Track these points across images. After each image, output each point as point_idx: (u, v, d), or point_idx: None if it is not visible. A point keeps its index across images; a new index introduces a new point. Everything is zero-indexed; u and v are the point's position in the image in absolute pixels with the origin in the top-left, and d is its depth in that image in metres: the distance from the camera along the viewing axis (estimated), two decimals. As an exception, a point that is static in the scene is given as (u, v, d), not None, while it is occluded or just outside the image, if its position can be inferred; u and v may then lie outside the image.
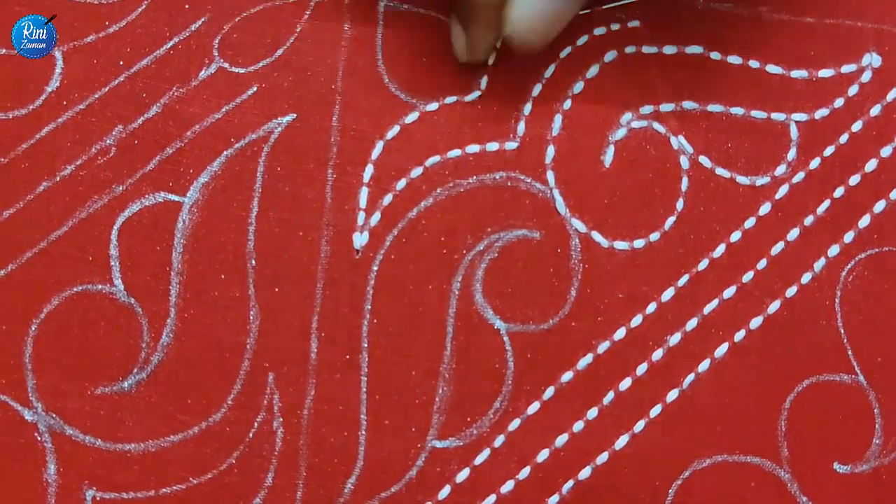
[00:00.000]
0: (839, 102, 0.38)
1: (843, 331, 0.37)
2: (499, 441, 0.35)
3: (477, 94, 0.37)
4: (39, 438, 0.34)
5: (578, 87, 0.37)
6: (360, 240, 0.36)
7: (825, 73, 0.38)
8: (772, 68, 0.38)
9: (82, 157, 0.36)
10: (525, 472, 0.35)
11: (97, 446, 0.34)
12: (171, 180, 0.36)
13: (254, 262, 0.36)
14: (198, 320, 0.35)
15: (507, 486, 0.35)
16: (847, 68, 0.39)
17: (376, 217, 0.36)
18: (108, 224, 0.35)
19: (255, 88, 0.37)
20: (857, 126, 0.38)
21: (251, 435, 0.35)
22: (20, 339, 0.35)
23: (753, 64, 0.38)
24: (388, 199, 0.36)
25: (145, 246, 0.35)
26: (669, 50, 0.38)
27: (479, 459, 0.35)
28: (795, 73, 0.38)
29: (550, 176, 0.37)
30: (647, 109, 0.37)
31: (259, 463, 0.35)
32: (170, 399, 0.35)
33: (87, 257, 0.35)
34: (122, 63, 0.36)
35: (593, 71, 0.37)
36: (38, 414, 0.34)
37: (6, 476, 0.34)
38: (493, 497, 0.35)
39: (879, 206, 0.38)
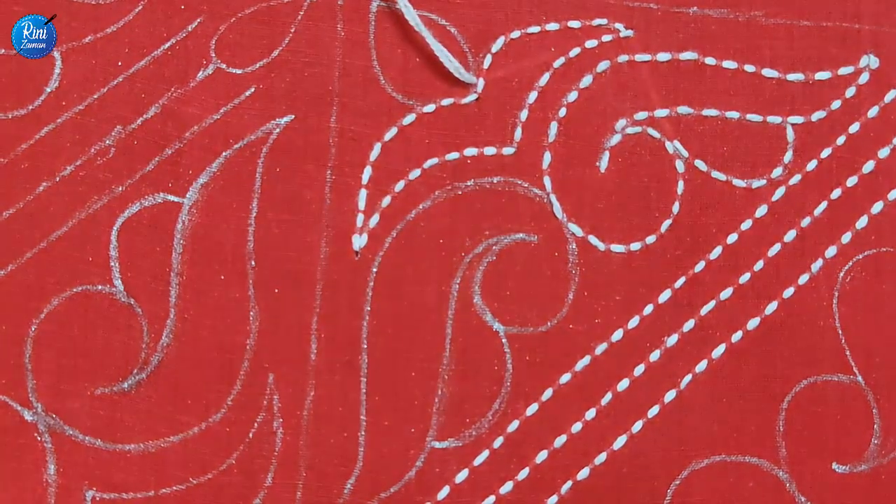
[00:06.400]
0: (836, 104, 0.39)
1: (840, 332, 0.37)
2: (498, 442, 0.36)
3: (474, 96, 0.37)
4: (39, 438, 0.35)
5: (573, 96, 0.38)
6: (359, 241, 0.36)
7: (822, 75, 0.39)
8: (768, 72, 0.38)
9: (81, 157, 0.36)
10: (524, 473, 0.36)
11: (97, 446, 0.35)
12: (170, 181, 0.36)
13: (253, 262, 0.36)
14: (197, 321, 0.36)
15: (506, 487, 0.36)
16: (844, 70, 0.39)
17: (375, 219, 0.37)
18: (108, 224, 0.36)
19: (252, 89, 0.37)
20: (854, 128, 0.38)
21: (251, 435, 0.35)
22: (20, 339, 0.35)
23: (749, 69, 0.38)
24: (386, 200, 0.37)
25: (145, 246, 0.36)
26: (663, 57, 0.38)
27: (478, 460, 0.36)
28: (791, 77, 0.38)
29: (547, 181, 0.37)
30: (641, 115, 0.38)
31: (259, 463, 0.35)
32: (169, 399, 0.35)
33: (87, 258, 0.36)
34: (120, 64, 0.37)
35: (587, 80, 0.38)
36: (37, 414, 0.35)
37: (6, 476, 0.35)
38: (492, 498, 0.35)
39: (877, 207, 0.38)
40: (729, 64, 0.39)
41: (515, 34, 0.38)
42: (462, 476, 0.36)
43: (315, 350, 0.36)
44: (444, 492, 0.35)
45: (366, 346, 0.36)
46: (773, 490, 0.36)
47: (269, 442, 0.35)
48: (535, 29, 0.38)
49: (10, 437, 0.35)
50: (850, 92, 0.39)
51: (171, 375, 0.35)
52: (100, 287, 0.35)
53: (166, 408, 0.35)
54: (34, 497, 0.34)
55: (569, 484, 0.36)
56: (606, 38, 0.38)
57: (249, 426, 0.35)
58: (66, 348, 0.35)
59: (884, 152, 0.38)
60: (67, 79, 0.36)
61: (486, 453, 0.36)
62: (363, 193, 0.37)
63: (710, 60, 0.38)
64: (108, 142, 0.36)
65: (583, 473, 0.36)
